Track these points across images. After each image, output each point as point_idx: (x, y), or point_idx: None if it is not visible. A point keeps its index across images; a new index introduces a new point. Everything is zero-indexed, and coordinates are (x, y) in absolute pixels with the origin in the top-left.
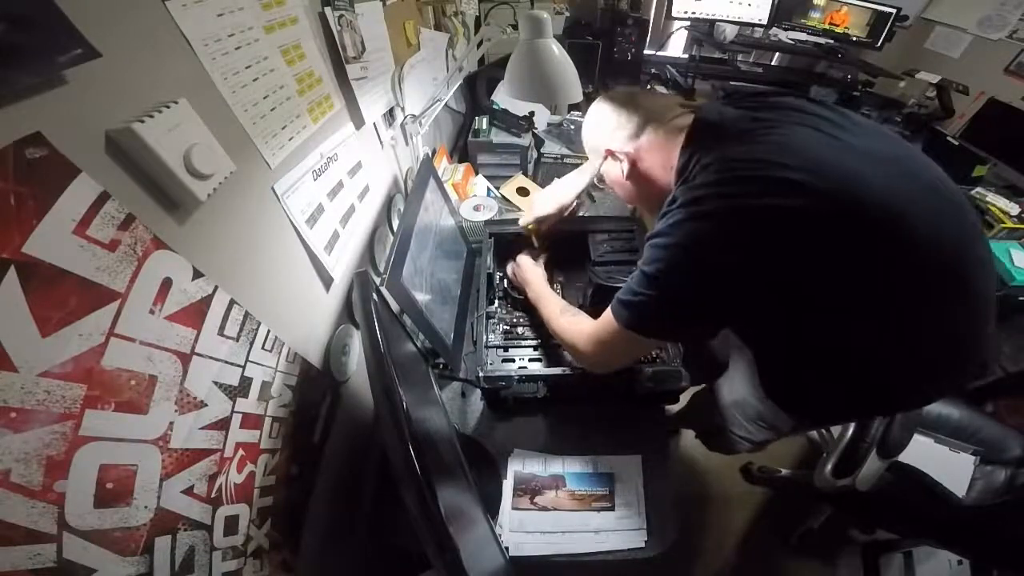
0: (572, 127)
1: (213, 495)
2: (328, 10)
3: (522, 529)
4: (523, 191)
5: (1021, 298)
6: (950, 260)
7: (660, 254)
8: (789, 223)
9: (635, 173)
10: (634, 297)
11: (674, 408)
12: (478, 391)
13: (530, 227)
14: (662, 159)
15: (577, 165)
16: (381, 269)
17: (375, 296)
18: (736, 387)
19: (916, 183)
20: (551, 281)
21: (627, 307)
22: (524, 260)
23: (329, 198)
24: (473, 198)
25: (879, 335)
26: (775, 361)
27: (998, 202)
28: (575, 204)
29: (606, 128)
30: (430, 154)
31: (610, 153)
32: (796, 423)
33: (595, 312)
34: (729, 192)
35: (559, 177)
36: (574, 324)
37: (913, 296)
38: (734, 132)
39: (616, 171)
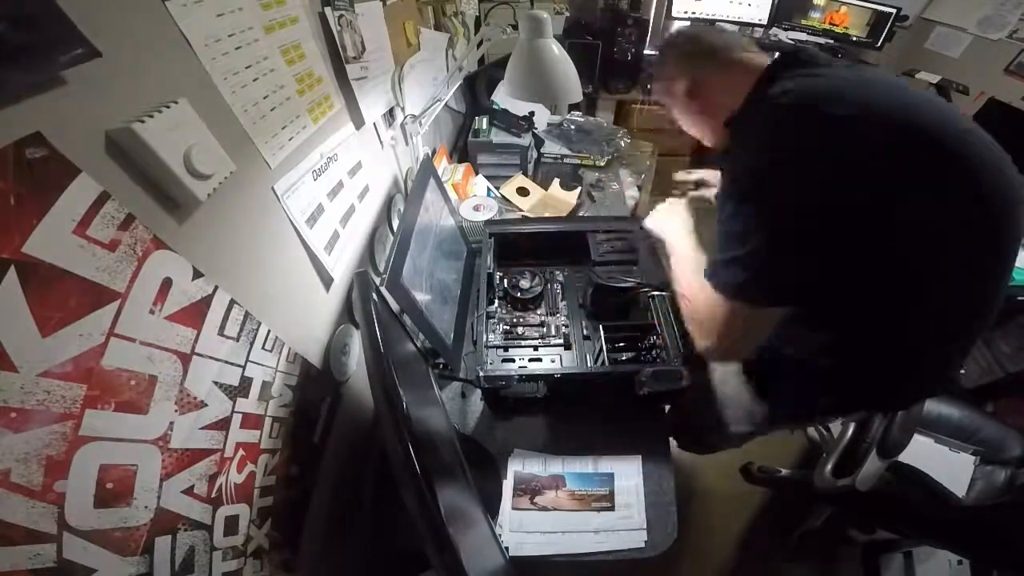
0: (572, 127)
1: (213, 495)
2: (328, 10)
3: (522, 529)
4: (523, 191)
5: (1021, 298)
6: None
7: (741, 202)
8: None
9: (699, 98)
10: (735, 265)
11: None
12: (478, 391)
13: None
14: (733, 86)
15: (577, 166)
16: (381, 269)
17: (375, 296)
18: (720, 382)
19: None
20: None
21: (732, 275)
22: (664, 207)
23: (329, 198)
24: (473, 198)
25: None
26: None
27: None
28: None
29: (682, 53)
30: (430, 154)
31: (673, 80)
32: (770, 416)
33: (592, 315)
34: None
35: (559, 177)
36: (695, 298)
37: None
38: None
39: (680, 93)
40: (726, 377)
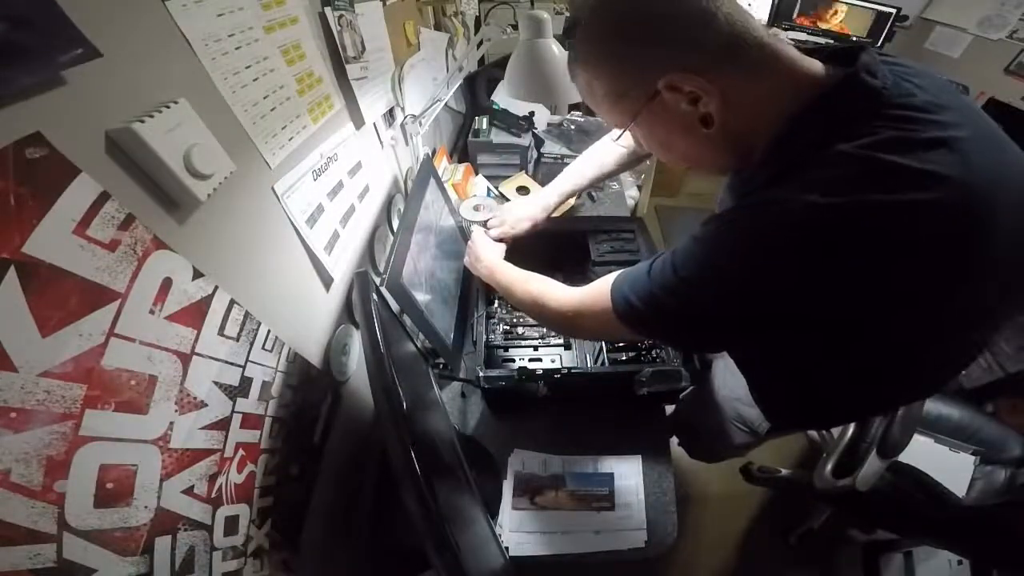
0: (572, 127)
1: (213, 495)
2: (328, 10)
3: (522, 529)
4: (523, 189)
5: None
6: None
7: (706, 265)
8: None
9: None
10: (647, 296)
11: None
12: (478, 391)
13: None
14: (762, 105)
15: None
16: (381, 269)
17: (375, 296)
18: (721, 388)
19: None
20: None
21: (632, 303)
22: (478, 235)
23: (329, 198)
24: (473, 198)
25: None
26: (777, 377)
27: None
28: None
29: (659, 32)
30: (430, 154)
31: (670, 86)
32: (775, 428)
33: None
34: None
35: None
36: (549, 288)
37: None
38: (895, 116)
39: (674, 115)
40: (725, 380)
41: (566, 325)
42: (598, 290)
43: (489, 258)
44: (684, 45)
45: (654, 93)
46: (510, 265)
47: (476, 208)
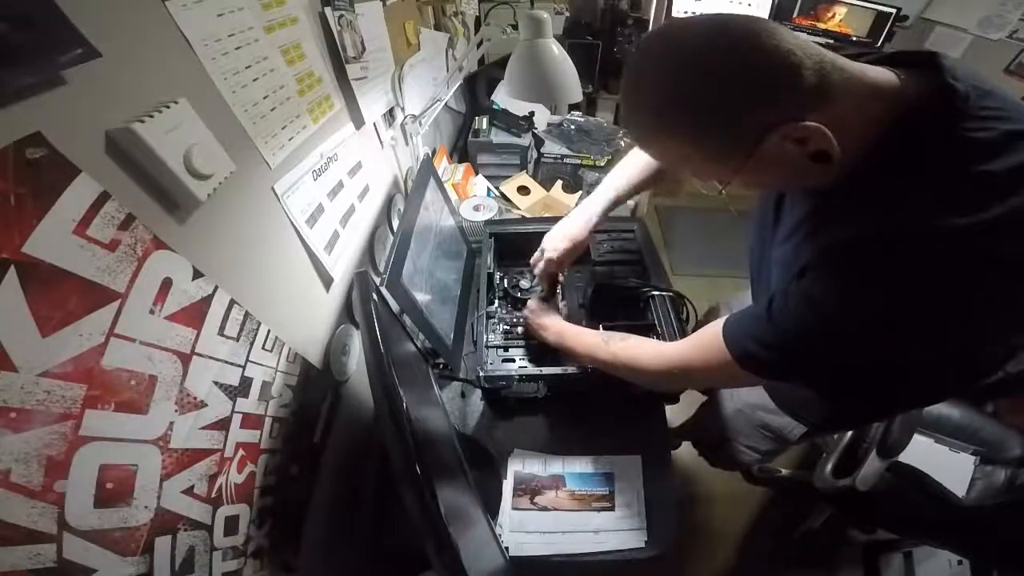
0: (572, 127)
1: (213, 495)
2: (328, 10)
3: (522, 529)
4: (524, 189)
5: None
6: None
7: (816, 320)
8: None
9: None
10: (765, 351)
11: (673, 414)
12: (478, 391)
13: (548, 270)
14: (860, 126)
15: (577, 166)
16: (381, 269)
17: (375, 296)
18: (739, 395)
19: None
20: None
21: (753, 355)
22: (533, 305)
23: (329, 198)
24: (473, 198)
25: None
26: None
27: None
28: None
29: (751, 84)
30: (430, 154)
31: (776, 124)
32: (807, 432)
33: (592, 315)
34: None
35: (561, 178)
36: (637, 346)
37: None
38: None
39: (780, 159)
40: (737, 391)
41: (673, 382)
42: (705, 340)
43: (553, 324)
44: (784, 93)
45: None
46: (579, 329)
47: (476, 208)
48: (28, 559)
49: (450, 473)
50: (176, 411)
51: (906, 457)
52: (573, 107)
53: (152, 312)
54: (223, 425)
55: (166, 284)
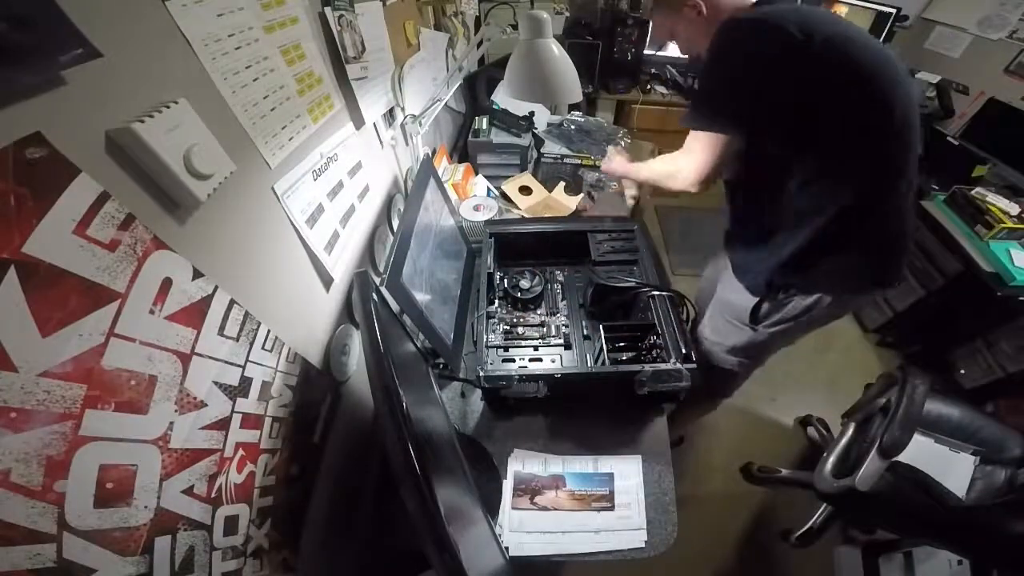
0: (572, 127)
1: (213, 495)
2: (328, 10)
3: (522, 529)
4: (525, 189)
5: (1021, 298)
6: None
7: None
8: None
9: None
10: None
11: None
12: (478, 391)
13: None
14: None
15: (577, 166)
16: (381, 269)
17: (375, 296)
18: (713, 310)
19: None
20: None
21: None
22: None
23: (329, 198)
24: (473, 198)
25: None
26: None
27: (998, 202)
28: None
29: None
30: (430, 154)
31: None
32: (757, 305)
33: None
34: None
35: (561, 178)
36: (668, 159)
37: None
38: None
39: (690, 21)
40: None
41: (694, 170)
42: (679, 158)
43: (619, 167)
44: None
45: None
46: (648, 164)
47: (476, 208)
48: (28, 559)
49: (450, 473)
50: (176, 411)
51: (906, 457)
52: (573, 107)
53: (152, 312)
54: (223, 425)
55: (166, 284)
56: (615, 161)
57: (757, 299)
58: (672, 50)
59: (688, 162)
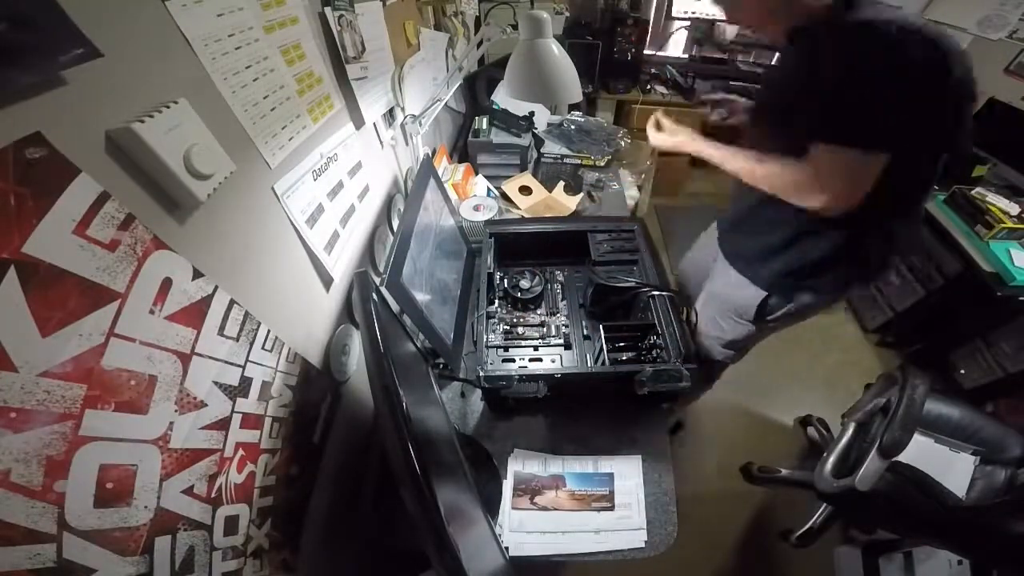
0: (572, 127)
1: (213, 495)
2: (328, 10)
3: (522, 529)
4: (525, 189)
5: (1021, 298)
6: None
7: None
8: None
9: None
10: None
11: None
12: (478, 391)
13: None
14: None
15: (577, 166)
16: (381, 269)
17: (375, 296)
18: (709, 305)
19: None
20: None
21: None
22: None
23: (329, 198)
24: (473, 198)
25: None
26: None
27: (998, 202)
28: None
29: None
30: (430, 154)
31: None
32: (763, 301)
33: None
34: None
35: (561, 179)
36: (796, 166)
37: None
38: None
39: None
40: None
41: (843, 192)
42: (823, 154)
43: (684, 144)
44: None
45: None
46: (727, 150)
47: (476, 208)
48: (28, 559)
49: (450, 473)
50: (176, 411)
51: (906, 457)
52: (573, 107)
53: (152, 312)
54: (223, 425)
55: (166, 284)
56: (667, 130)
57: (762, 297)
58: (672, 49)
59: (835, 182)
